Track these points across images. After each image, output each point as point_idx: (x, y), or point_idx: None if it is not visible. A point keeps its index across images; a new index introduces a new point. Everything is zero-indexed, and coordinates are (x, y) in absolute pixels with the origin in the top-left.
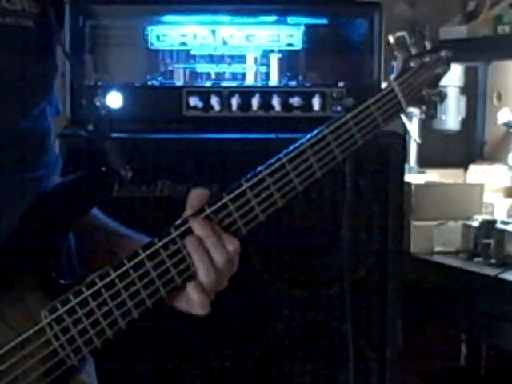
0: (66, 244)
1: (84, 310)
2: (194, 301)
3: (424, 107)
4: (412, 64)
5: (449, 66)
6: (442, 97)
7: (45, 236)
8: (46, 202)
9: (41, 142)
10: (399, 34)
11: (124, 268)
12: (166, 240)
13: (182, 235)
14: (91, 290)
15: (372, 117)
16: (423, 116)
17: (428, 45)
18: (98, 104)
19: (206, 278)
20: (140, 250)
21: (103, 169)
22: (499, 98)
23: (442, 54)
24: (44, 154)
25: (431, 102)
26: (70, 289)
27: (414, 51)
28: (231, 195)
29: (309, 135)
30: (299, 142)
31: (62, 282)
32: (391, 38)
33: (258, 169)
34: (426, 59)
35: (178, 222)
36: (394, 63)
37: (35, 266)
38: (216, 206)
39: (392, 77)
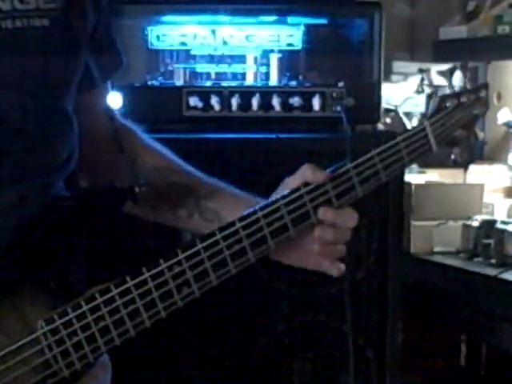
0: (72, 255)
1: (80, 324)
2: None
3: (456, 149)
4: (448, 103)
5: (487, 108)
6: (477, 139)
7: (46, 247)
8: (52, 212)
9: (53, 146)
10: (445, 67)
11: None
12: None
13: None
14: (90, 305)
15: (399, 155)
16: (454, 157)
17: (468, 84)
18: None
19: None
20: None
21: (117, 185)
22: (499, 97)
23: (482, 94)
24: (57, 158)
25: (464, 143)
26: (70, 300)
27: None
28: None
29: (331, 168)
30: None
31: (62, 292)
32: (433, 71)
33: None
34: (464, 99)
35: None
36: (431, 101)
37: (35, 275)
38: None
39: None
